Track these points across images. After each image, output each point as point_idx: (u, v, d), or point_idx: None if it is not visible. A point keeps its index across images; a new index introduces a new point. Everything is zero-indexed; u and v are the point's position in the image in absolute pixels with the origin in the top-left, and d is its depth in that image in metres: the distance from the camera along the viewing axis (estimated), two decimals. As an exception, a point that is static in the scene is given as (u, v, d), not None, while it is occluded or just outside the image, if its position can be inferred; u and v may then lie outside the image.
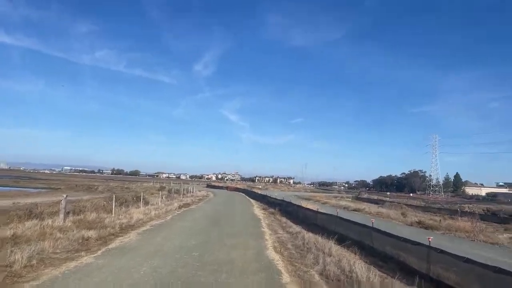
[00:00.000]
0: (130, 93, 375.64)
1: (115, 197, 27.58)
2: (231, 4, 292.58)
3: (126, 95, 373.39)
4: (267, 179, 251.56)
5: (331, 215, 17.86)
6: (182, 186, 67.45)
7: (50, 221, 13.70)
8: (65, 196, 14.10)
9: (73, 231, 12.57)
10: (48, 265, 8.33)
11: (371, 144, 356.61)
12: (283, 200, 30.97)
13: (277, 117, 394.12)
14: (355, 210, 40.50)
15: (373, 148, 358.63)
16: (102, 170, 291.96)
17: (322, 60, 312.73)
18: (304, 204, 28.43)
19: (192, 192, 54.22)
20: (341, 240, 13.77)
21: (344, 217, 16.47)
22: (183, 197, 40.94)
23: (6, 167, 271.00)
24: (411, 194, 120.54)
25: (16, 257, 8.08)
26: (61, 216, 14.06)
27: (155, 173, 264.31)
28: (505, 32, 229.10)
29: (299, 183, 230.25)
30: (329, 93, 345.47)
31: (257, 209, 29.72)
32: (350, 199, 75.62)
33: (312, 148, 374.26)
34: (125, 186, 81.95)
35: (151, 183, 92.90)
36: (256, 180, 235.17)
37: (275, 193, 61.27)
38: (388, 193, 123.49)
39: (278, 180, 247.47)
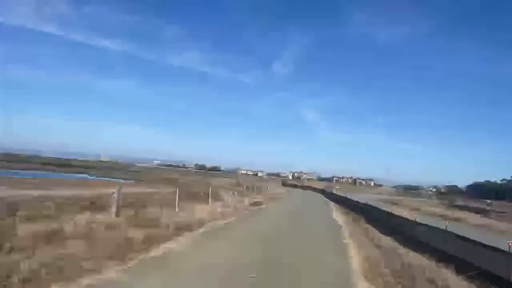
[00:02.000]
0: (214, 92, 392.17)
1: (186, 192, 26.73)
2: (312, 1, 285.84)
3: (210, 93, 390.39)
4: (345, 179, 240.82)
5: (436, 228, 13.73)
6: (257, 183, 66.24)
7: (101, 216, 12.30)
8: (118, 188, 12.54)
9: (120, 229, 10.86)
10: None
11: (464, 146, 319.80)
12: (367, 204, 26.88)
13: (358, 115, 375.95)
14: (455, 219, 34.19)
15: (464, 152, 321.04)
16: (186, 165, 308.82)
17: (409, 56, 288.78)
18: (393, 210, 24.06)
19: (266, 190, 52.30)
20: (456, 267, 9.90)
21: (456, 232, 12.30)
22: (256, 194, 39.02)
23: (107, 160, 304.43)
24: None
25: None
26: (113, 210, 12.54)
27: (235, 169, 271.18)
28: None
29: (381, 185, 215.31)
30: (416, 90, 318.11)
31: (337, 214, 26.11)
32: (443, 206, 66.78)
33: (396, 149, 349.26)
34: (204, 180, 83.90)
35: (229, 179, 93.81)
36: (334, 181, 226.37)
37: (356, 195, 56.21)
38: (489, 201, 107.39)
39: (358, 182, 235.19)
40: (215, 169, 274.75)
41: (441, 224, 16.11)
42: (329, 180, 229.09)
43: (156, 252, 8.88)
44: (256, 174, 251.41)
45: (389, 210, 22.43)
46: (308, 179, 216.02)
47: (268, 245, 11.11)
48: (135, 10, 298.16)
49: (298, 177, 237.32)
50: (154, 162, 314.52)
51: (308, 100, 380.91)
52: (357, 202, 31.20)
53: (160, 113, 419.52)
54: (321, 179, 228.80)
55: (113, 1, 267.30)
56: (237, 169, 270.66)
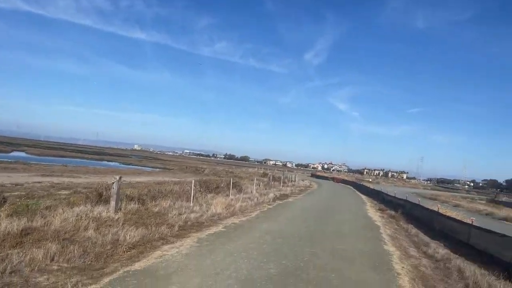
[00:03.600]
0: (244, 82, 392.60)
1: (207, 182, 24.97)
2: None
3: (240, 84, 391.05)
4: (376, 172, 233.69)
5: (501, 234, 11.01)
6: (284, 174, 63.93)
7: (99, 210, 10.62)
8: (117, 177, 10.79)
9: (112, 227, 9.10)
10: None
11: (504, 140, 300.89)
12: (406, 200, 24.02)
13: (392, 106, 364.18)
14: (503, 219, 30.52)
15: (504, 145, 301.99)
16: (216, 154, 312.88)
17: (448, 45, 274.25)
18: (434, 206, 21.08)
19: (294, 181, 49.93)
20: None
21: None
22: (282, 186, 36.85)
23: (139, 148, 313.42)
24: None
25: None
26: (112, 204, 10.82)
27: (263, 160, 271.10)
28: None
29: (414, 178, 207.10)
30: (454, 81, 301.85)
31: (371, 210, 23.46)
32: (484, 202, 61.70)
33: (430, 141, 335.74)
34: (230, 170, 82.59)
35: (256, 169, 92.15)
36: (365, 173, 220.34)
37: (389, 188, 52.61)
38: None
39: (390, 174, 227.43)
40: (244, 159, 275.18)
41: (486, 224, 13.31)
42: (360, 172, 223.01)
43: (145, 261, 6.96)
44: (285, 165, 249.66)
45: (434, 207, 19.56)
46: (338, 171, 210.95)
47: (290, 249, 8.96)
48: (167, 2, 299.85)
49: (328, 169, 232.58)
50: (185, 151, 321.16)
51: (340, 91, 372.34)
52: (394, 196, 28.28)
53: (191, 104, 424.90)
54: (351, 171, 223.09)
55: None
56: (266, 159, 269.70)
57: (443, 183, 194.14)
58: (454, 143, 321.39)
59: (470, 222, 13.01)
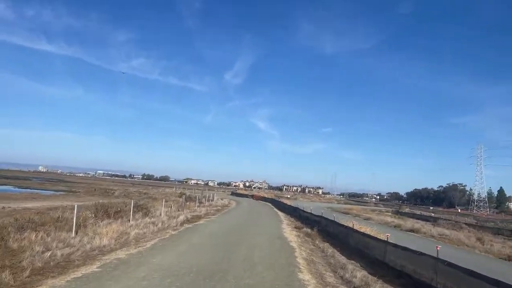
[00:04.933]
0: (163, 100, 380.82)
1: (105, 206, 21.46)
2: (263, 13, 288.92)
3: (159, 102, 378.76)
4: (295, 188, 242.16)
5: (418, 253, 10.25)
6: (203, 193, 61.19)
7: None
8: None
9: None
10: None
11: (403, 156, 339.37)
12: (321, 216, 23.48)
13: (307, 126, 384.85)
14: (410, 230, 32.14)
15: (405, 160, 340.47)
16: (133, 175, 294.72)
17: (353, 69, 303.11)
18: (349, 222, 20.77)
19: (212, 200, 47.62)
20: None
21: (454, 263, 8.85)
22: (198, 207, 34.29)
23: (44, 170, 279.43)
24: (459, 210, 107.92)
25: None
26: None
27: (184, 179, 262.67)
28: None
29: (328, 193, 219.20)
30: (359, 103, 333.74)
31: (287, 229, 22.30)
32: (390, 214, 66.44)
33: (342, 158, 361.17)
34: (145, 191, 76.90)
35: (174, 189, 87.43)
36: (284, 189, 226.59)
37: (306, 204, 53.29)
38: (431, 207, 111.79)
39: (307, 190, 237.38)
40: (164, 179, 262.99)
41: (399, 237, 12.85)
42: (280, 188, 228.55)
43: None
44: (207, 184, 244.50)
45: (348, 223, 19.08)
46: (259, 188, 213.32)
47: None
48: (80, 14, 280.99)
49: (249, 186, 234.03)
50: (98, 172, 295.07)
51: (260, 110, 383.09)
52: (310, 213, 27.81)
53: (106, 122, 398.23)
54: (271, 188, 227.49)
55: (56, 3, 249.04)
56: (187, 179, 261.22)
57: (354, 197, 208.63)
58: (361, 160, 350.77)
59: (386, 239, 12.30)
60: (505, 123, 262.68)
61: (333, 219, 20.67)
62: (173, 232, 15.72)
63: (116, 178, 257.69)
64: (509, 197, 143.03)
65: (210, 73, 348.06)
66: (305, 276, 9.59)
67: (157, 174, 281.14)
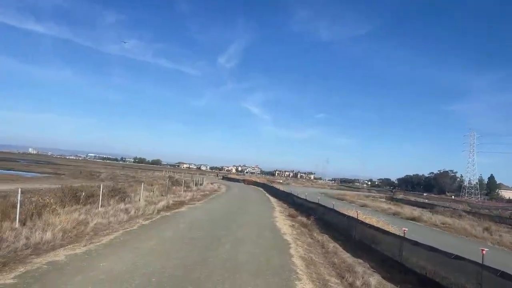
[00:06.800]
0: (155, 83, 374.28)
1: (73, 190, 18.89)
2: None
3: (151, 85, 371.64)
4: (287, 173, 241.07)
5: (453, 256, 7.97)
6: (192, 177, 58.79)
7: None
8: None
9: None
10: None
11: (395, 142, 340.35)
12: (318, 204, 21.23)
13: (300, 111, 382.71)
14: (411, 219, 30.14)
15: (396, 146, 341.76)
16: (125, 158, 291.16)
17: (348, 56, 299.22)
18: (350, 211, 18.52)
19: (201, 184, 45.22)
20: None
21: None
22: (184, 191, 31.85)
23: (34, 152, 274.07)
24: (452, 197, 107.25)
25: None
26: None
27: (177, 163, 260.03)
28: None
29: (320, 178, 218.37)
30: (353, 89, 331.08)
31: (280, 217, 19.97)
32: (385, 200, 64.86)
33: (334, 144, 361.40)
34: (133, 174, 74.17)
35: (163, 173, 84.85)
36: (276, 174, 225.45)
37: (299, 189, 51.17)
38: (425, 194, 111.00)
39: (299, 175, 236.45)
40: (156, 162, 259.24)
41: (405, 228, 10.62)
42: (272, 173, 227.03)
43: None
44: (200, 168, 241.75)
45: (349, 212, 16.87)
46: (251, 173, 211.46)
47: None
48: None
49: (242, 171, 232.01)
50: (89, 155, 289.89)
51: (253, 95, 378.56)
52: (305, 200, 25.58)
53: (98, 104, 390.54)
54: (264, 173, 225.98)
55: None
56: (179, 163, 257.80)
57: (346, 183, 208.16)
58: (353, 146, 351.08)
59: (403, 234, 9.99)
60: (496, 111, 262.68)
61: (332, 207, 18.39)
62: (144, 222, 13.22)
63: (108, 161, 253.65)
64: (499, 184, 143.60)
65: (203, 57, 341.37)
66: (305, 285, 7.24)
67: (150, 158, 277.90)
